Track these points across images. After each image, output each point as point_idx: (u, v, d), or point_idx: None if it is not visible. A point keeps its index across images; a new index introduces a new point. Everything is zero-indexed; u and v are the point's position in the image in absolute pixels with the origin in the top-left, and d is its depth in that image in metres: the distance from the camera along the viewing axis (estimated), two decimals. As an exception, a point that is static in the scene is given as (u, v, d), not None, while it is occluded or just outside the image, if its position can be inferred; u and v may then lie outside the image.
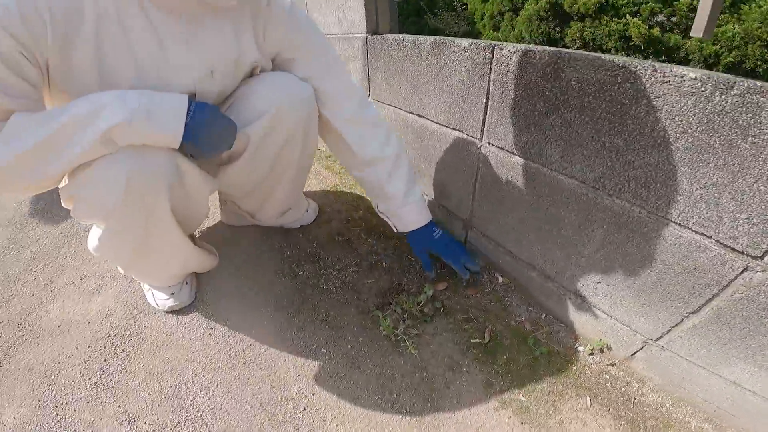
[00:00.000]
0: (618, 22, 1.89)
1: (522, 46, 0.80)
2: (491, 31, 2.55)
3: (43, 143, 0.63)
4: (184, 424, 0.89)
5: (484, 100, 0.93)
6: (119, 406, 0.93)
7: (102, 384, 0.97)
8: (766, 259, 0.58)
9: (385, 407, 0.89)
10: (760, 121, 0.51)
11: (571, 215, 0.85)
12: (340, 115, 1.00)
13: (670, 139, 0.62)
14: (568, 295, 0.97)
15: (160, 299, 1.09)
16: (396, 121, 1.35)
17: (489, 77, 0.90)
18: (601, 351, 0.97)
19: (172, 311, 1.11)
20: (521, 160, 0.91)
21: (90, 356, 1.03)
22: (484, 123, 0.97)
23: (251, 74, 0.93)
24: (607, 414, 0.87)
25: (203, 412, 0.91)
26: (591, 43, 2.15)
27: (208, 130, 0.75)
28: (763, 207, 0.55)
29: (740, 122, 0.53)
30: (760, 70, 1.63)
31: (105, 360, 1.01)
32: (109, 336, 1.07)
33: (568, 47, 2.11)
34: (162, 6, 0.71)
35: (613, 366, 0.95)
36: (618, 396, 0.90)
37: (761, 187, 0.54)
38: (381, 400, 0.90)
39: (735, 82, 0.52)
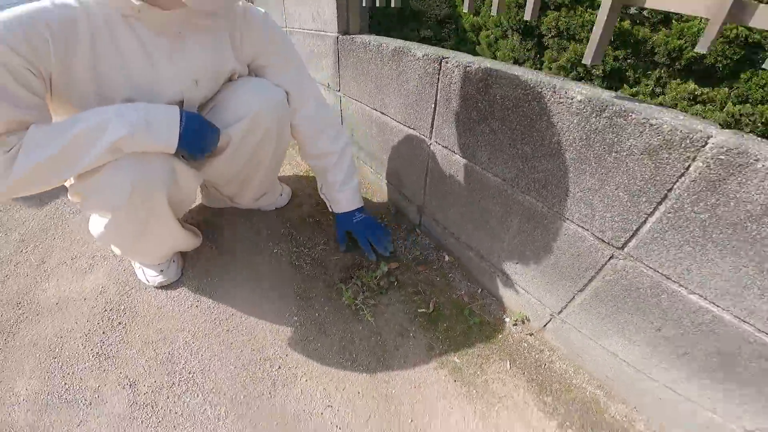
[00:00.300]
0: (592, 13, 1.95)
1: (464, 61, 0.93)
2: (471, 16, 2.63)
3: (58, 155, 0.74)
4: (178, 385, 1.02)
5: (433, 105, 1.07)
6: (120, 373, 1.05)
7: (103, 354, 1.09)
8: (625, 250, 0.76)
9: (346, 365, 1.06)
10: (621, 140, 0.68)
11: (496, 207, 1.01)
12: (300, 114, 1.15)
13: (562, 150, 0.78)
14: (497, 273, 1.15)
15: (150, 276, 1.22)
16: (362, 115, 1.47)
17: (437, 86, 1.03)
18: (522, 322, 1.16)
19: (162, 286, 1.24)
20: (461, 159, 1.06)
21: (89, 330, 1.14)
22: (432, 125, 1.11)
23: (230, 79, 1.05)
24: (522, 377, 1.06)
25: (194, 373, 1.04)
26: (565, 32, 2.18)
27: (197, 137, 0.88)
28: (621, 209, 0.72)
29: (607, 140, 0.70)
30: (720, 65, 1.73)
31: (104, 332, 1.13)
32: (105, 311, 1.19)
33: (543, 35, 2.18)
34: (148, 25, 0.82)
35: (531, 336, 1.15)
36: (532, 362, 1.09)
37: (620, 194, 0.71)
38: (342, 360, 1.07)
39: (606, 107, 0.68)
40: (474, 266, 1.24)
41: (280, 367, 1.05)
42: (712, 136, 0.57)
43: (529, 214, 0.93)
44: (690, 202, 0.62)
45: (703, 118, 1.78)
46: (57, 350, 1.11)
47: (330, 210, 1.34)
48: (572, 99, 0.72)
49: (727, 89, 1.76)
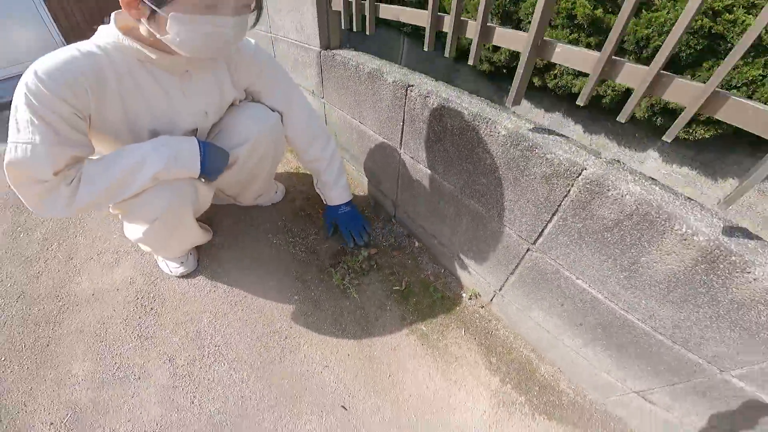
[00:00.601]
0: (567, 1, 2.02)
1: (425, 90, 1.14)
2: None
3: (110, 187, 0.96)
4: (208, 357, 1.26)
5: (401, 124, 1.30)
6: (159, 350, 1.27)
7: (143, 335, 1.31)
8: (536, 245, 1.04)
9: (337, 334, 1.35)
10: (529, 167, 0.93)
11: (450, 208, 1.28)
12: (293, 128, 1.36)
13: (492, 171, 1.04)
14: (455, 257, 1.43)
15: (173, 267, 1.46)
16: (344, 122, 1.69)
17: (404, 108, 1.25)
18: (475, 297, 1.46)
19: (183, 276, 1.47)
20: (424, 168, 1.31)
21: (127, 315, 1.35)
22: (401, 138, 1.34)
23: (231, 104, 1.26)
24: (474, 341, 1.36)
25: (219, 346, 1.29)
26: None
27: (213, 163, 1.11)
28: (531, 216, 1.00)
29: (521, 166, 0.96)
30: (683, 54, 1.82)
31: (140, 317, 1.35)
32: (137, 299, 1.41)
33: (521, 20, 2.28)
34: (160, 66, 0.98)
35: (481, 308, 1.45)
36: (482, 329, 1.39)
37: (530, 206, 0.98)
38: (334, 330, 1.36)
39: (521, 141, 0.93)
40: (438, 251, 1.53)
41: (286, 338, 1.33)
42: (585, 169, 0.83)
43: (474, 214, 1.20)
44: (571, 215, 0.89)
45: (666, 105, 1.83)
46: (102, 335, 1.31)
47: (324, 202, 1.58)
48: (499, 133, 0.97)
49: (690, 77, 1.83)
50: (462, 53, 2.25)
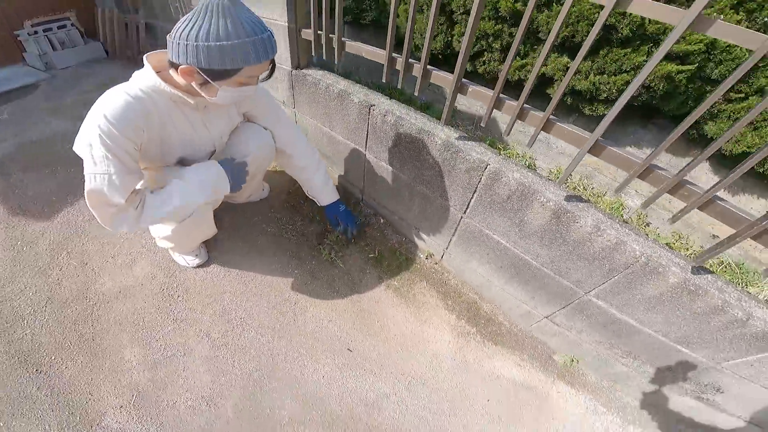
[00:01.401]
0: None
1: (384, 109, 1.53)
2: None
3: (169, 215, 1.19)
4: (237, 327, 1.55)
5: (366, 133, 1.70)
6: (196, 328, 1.51)
7: (177, 318, 1.54)
8: (466, 214, 1.52)
9: (334, 296, 1.75)
10: (456, 165, 1.40)
11: (406, 192, 1.74)
12: (284, 142, 1.59)
13: (434, 166, 1.49)
14: (412, 227, 1.90)
15: (189, 260, 1.72)
16: (315, 128, 2.01)
17: (368, 122, 1.64)
18: (431, 256, 1.94)
19: (198, 266, 1.73)
20: (385, 164, 1.74)
21: (158, 305, 1.57)
22: (366, 143, 1.73)
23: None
24: (433, 290, 1.83)
25: (243, 318, 1.58)
26: (467, 13, 2.50)
27: (237, 181, 1.36)
28: (461, 195, 1.47)
29: (451, 164, 1.42)
30: (577, 39, 2.11)
31: (170, 304, 1.58)
32: (162, 290, 1.63)
33: (453, 12, 2.56)
34: (190, 106, 1.17)
35: (436, 264, 1.93)
36: (438, 280, 1.87)
37: (460, 188, 1.46)
38: (331, 292, 1.77)
39: (450, 146, 1.40)
40: (399, 225, 2.00)
41: (295, 303, 1.70)
42: (489, 164, 1.32)
43: (423, 196, 1.66)
44: (483, 193, 1.38)
45: (573, 87, 2.30)
46: (141, 323, 1.50)
47: (318, 204, 1.80)
48: (436, 141, 1.43)
49: (590, 63, 2.20)
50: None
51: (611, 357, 1.47)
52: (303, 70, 1.86)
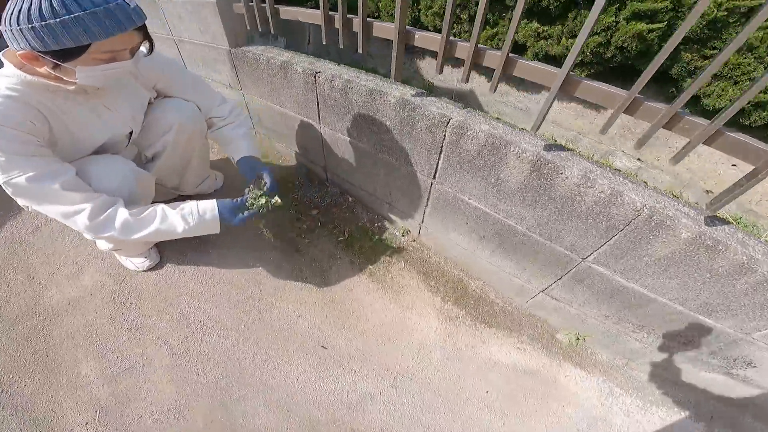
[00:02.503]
0: None
1: (330, 74, 1.36)
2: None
3: (144, 237, 1.12)
4: (197, 332, 1.43)
5: (316, 103, 1.52)
6: (152, 336, 1.39)
7: (132, 327, 1.42)
8: (436, 179, 1.33)
9: (302, 287, 1.60)
10: (416, 122, 1.21)
11: (369, 161, 1.55)
12: (209, 111, 1.48)
13: (393, 129, 1.31)
14: (383, 203, 1.72)
15: (138, 263, 1.58)
16: (265, 107, 1.86)
17: (316, 91, 1.47)
18: (407, 233, 1.77)
19: (150, 269, 1.60)
20: (342, 136, 1.55)
21: (110, 314, 1.45)
22: (319, 115, 1.57)
23: (150, 103, 1.37)
24: (413, 270, 1.67)
25: (202, 321, 1.46)
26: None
27: (228, 218, 1.23)
28: (427, 158, 1.28)
29: (411, 122, 1.23)
30: (552, 7, 2.04)
31: (122, 313, 1.46)
32: (113, 298, 1.50)
33: None
34: (74, 93, 1.07)
35: (414, 242, 1.76)
36: (418, 259, 1.70)
37: (424, 151, 1.27)
38: (298, 283, 1.61)
39: (407, 104, 1.20)
40: (368, 201, 1.81)
41: (259, 300, 1.56)
42: (452, 118, 1.12)
43: (387, 165, 1.48)
44: (450, 152, 1.19)
45: (547, 52, 2.14)
46: (94, 335, 1.40)
47: (234, 162, 1.48)
48: (390, 101, 1.23)
49: (560, 27, 2.16)
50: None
51: (622, 332, 1.30)
52: (242, 48, 1.71)
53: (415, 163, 1.35)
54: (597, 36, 2.02)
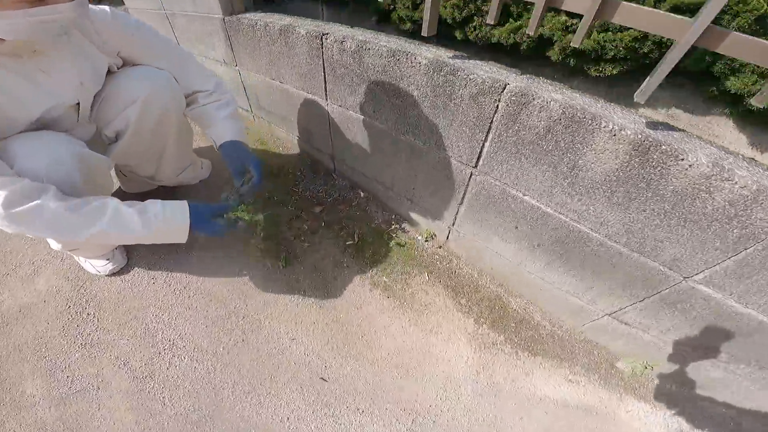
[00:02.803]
0: None
1: (341, 35, 1.08)
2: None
3: (92, 237, 0.91)
4: (164, 353, 1.18)
5: (323, 74, 1.23)
6: (110, 355, 1.18)
7: (87, 343, 1.20)
8: (478, 167, 1.02)
9: (298, 302, 1.30)
10: (455, 90, 0.91)
11: (387, 145, 1.25)
12: (187, 84, 1.23)
13: (422, 102, 1.01)
14: (402, 199, 1.41)
15: (99, 266, 1.33)
16: (263, 85, 1.59)
17: (322, 58, 1.18)
18: (432, 238, 1.45)
19: (113, 273, 1.35)
20: (354, 113, 1.26)
21: (63, 326, 1.24)
22: (326, 89, 1.28)
23: (110, 72, 1.13)
24: (439, 285, 1.35)
25: (173, 340, 1.21)
26: None
27: (199, 223, 1.05)
28: (467, 139, 0.98)
29: (447, 91, 0.93)
30: None
31: (77, 325, 1.24)
32: (69, 307, 1.28)
33: None
34: (5, 57, 0.87)
35: (440, 248, 1.44)
36: (445, 271, 1.39)
37: (464, 129, 0.96)
38: (294, 298, 1.31)
39: (443, 67, 0.89)
40: (385, 197, 1.50)
41: (244, 317, 1.27)
42: (508, 84, 0.81)
43: (411, 149, 1.17)
44: (504, 130, 0.88)
45: (575, 48, 1.86)
46: (43, 350, 1.21)
47: (216, 146, 1.27)
48: (420, 63, 0.93)
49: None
50: (383, 15, 2.26)
51: (709, 362, 0.99)
52: (238, 15, 1.45)
53: (450, 146, 1.04)
54: (633, 30, 1.79)
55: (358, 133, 1.32)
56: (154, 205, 1.00)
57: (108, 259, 1.33)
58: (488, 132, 0.91)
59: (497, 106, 0.85)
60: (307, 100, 1.41)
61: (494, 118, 0.87)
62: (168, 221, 1.00)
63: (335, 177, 1.66)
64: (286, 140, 1.82)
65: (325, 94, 1.30)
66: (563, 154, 0.81)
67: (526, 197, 0.98)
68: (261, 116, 1.84)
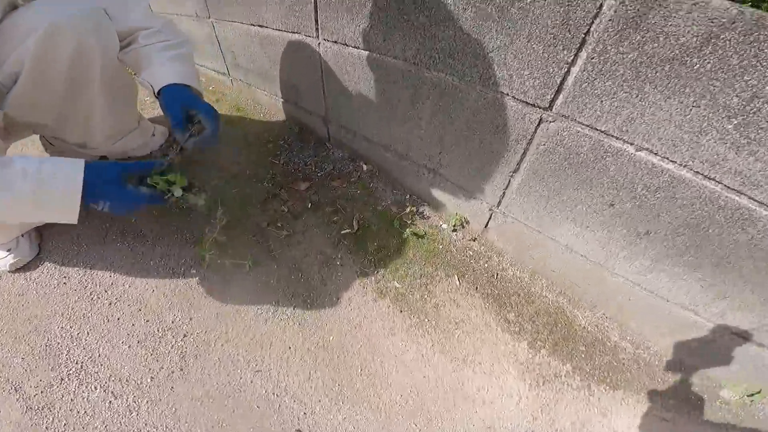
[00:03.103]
0: None
1: None
2: None
3: None
4: (69, 380, 0.89)
5: (314, 1, 0.93)
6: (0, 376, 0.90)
7: None
8: (554, 109, 0.67)
9: (267, 317, 0.95)
10: None
11: (403, 91, 0.92)
12: (128, 20, 1.01)
13: (460, 11, 0.67)
14: (421, 170, 1.06)
15: None
16: (240, 34, 1.32)
17: None
18: (462, 226, 1.09)
19: (17, 269, 1.06)
20: (354, 50, 0.95)
21: None
22: (317, 21, 0.98)
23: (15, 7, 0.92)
24: (475, 293, 1.00)
25: (82, 363, 0.91)
26: None
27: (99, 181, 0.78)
28: (539, 62, 0.63)
29: None
30: None
31: None
32: None
33: None
34: None
35: (474, 241, 1.08)
36: (482, 272, 1.03)
37: (534, 46, 0.62)
38: (261, 311, 0.96)
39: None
40: (396, 169, 1.17)
41: (186, 335, 0.94)
42: None
43: (440, 91, 0.84)
44: (613, 43, 0.54)
45: None
46: None
47: (154, 93, 1.00)
48: None
49: None
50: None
51: None
52: None
53: (506, 79, 0.69)
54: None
55: (360, 79, 0.99)
56: (26, 159, 0.74)
57: (8, 250, 1.05)
58: (581, 48, 0.57)
59: (600, 4, 0.52)
60: (293, 43, 1.12)
61: (593, 26, 0.54)
62: (44, 181, 0.72)
63: (329, 147, 1.32)
64: (270, 105, 1.50)
65: (316, 28, 1.01)
66: (735, 76, 0.47)
67: (640, 153, 0.62)
68: (239, 77, 1.54)
